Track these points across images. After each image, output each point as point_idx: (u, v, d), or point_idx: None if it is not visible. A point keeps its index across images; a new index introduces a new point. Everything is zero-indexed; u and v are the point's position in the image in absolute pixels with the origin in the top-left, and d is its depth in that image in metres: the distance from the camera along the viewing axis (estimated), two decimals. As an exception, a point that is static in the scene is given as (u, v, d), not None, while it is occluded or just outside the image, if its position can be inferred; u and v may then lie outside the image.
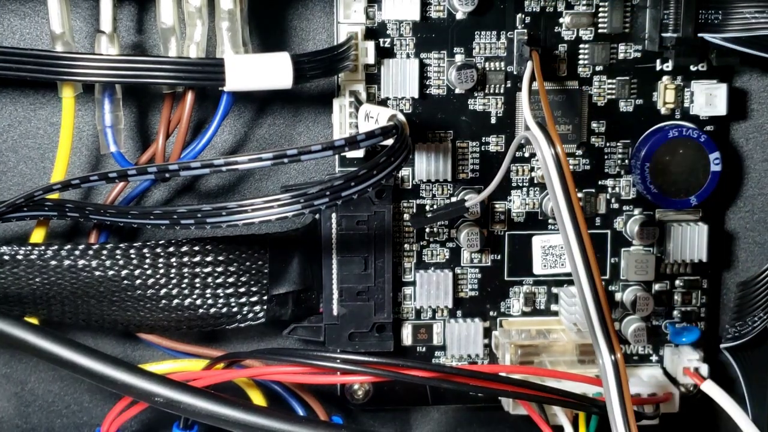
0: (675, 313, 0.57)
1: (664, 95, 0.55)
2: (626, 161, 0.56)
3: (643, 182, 0.54)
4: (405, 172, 0.55)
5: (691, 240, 0.55)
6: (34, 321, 0.51)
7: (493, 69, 0.54)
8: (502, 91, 0.54)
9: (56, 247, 0.51)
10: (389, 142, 0.45)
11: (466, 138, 0.55)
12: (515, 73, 0.54)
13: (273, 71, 0.48)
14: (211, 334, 0.57)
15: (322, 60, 0.49)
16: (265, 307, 0.53)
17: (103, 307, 0.52)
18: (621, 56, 0.55)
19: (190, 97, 0.51)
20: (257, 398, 0.53)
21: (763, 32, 0.50)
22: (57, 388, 0.58)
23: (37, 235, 0.52)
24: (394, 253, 0.55)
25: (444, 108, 0.55)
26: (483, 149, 0.55)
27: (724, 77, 0.55)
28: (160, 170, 0.46)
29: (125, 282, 0.51)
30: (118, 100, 0.51)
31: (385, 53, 0.53)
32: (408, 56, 0.54)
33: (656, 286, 0.57)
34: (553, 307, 0.57)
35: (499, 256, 0.57)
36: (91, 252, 0.51)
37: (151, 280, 0.51)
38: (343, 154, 0.54)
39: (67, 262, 0.50)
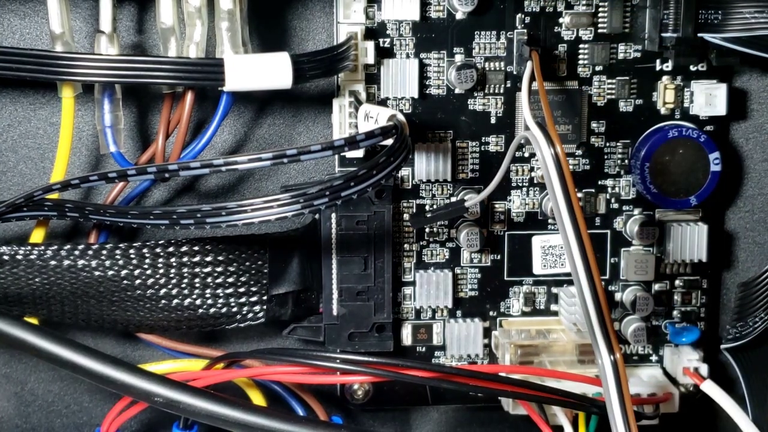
0: (675, 313, 0.57)
1: (664, 95, 0.55)
2: (626, 161, 0.56)
3: (643, 182, 0.54)
4: (405, 172, 0.55)
5: (691, 240, 0.55)
6: (33, 321, 0.51)
7: (492, 69, 0.54)
8: (501, 91, 0.54)
9: (56, 247, 0.51)
10: (389, 142, 0.45)
11: (466, 138, 0.55)
12: (515, 73, 0.54)
13: (273, 71, 0.48)
14: (211, 334, 0.57)
15: (321, 60, 0.50)
16: (264, 307, 0.53)
17: (102, 307, 0.52)
18: (621, 56, 0.55)
19: (189, 97, 0.51)
20: (257, 398, 0.53)
21: (763, 32, 0.50)
22: (57, 388, 0.58)
23: (37, 235, 0.52)
24: (394, 253, 0.55)
25: (444, 108, 0.55)
26: (483, 149, 0.55)
27: (723, 77, 0.55)
28: (159, 170, 0.46)
29: (125, 282, 0.51)
30: (118, 100, 0.51)
31: (384, 53, 0.53)
32: (408, 56, 0.54)
33: (656, 286, 0.57)
34: (553, 307, 0.57)
35: (498, 256, 0.57)
36: (90, 252, 0.51)
37: (150, 280, 0.51)
38: (342, 154, 0.54)
39: (66, 262, 0.50)
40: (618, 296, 0.57)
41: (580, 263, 0.41)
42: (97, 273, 0.51)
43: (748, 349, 0.55)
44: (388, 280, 0.54)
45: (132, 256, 0.51)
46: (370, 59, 0.52)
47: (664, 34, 0.52)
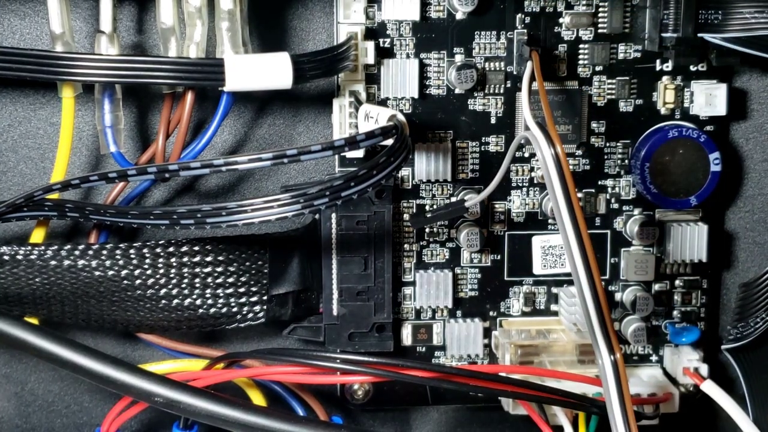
0: (675, 313, 0.57)
1: (664, 95, 0.55)
2: (626, 161, 0.56)
3: (643, 182, 0.54)
4: (405, 172, 0.55)
5: (691, 240, 0.55)
6: (34, 321, 0.51)
7: (492, 69, 0.54)
8: (501, 91, 0.55)
9: (56, 247, 0.51)
10: (389, 142, 0.45)
11: (466, 138, 0.55)
12: (515, 73, 0.54)
13: (273, 71, 0.48)
14: (211, 334, 0.57)
15: (321, 60, 0.50)
16: (264, 307, 0.53)
17: (103, 307, 0.52)
18: (621, 56, 0.55)
19: (190, 97, 0.51)
20: (257, 398, 0.53)
21: (763, 32, 0.50)
22: (57, 388, 0.58)
23: (37, 235, 0.52)
24: (394, 253, 0.55)
25: (444, 108, 0.55)
26: (483, 149, 0.55)
27: (723, 77, 0.55)
28: (159, 170, 0.46)
29: (125, 282, 0.51)
30: (118, 100, 0.51)
31: (384, 53, 0.53)
32: (408, 56, 0.54)
33: (656, 286, 0.57)
34: (553, 307, 0.57)
35: (498, 256, 0.57)
36: (90, 252, 0.51)
37: (150, 280, 0.51)
38: (342, 154, 0.54)
39: (66, 262, 0.51)
40: (618, 296, 0.57)
41: (580, 263, 0.41)
42: (97, 273, 0.51)
43: (750, 350, 0.55)
44: (388, 280, 0.54)
45: (132, 256, 0.51)
46: (371, 59, 0.52)
47: (664, 34, 0.52)
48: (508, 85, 0.54)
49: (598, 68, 0.55)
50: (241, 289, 0.52)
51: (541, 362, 0.55)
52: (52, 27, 0.49)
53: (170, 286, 0.52)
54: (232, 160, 0.44)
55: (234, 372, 0.51)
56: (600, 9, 0.54)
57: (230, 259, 0.52)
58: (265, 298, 0.53)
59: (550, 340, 0.56)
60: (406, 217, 0.56)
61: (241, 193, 0.56)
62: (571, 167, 0.54)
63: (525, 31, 0.54)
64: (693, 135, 0.54)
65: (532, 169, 0.56)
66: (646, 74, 0.55)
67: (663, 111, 0.55)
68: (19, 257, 0.50)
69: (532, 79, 0.50)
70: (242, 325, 0.53)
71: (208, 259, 0.52)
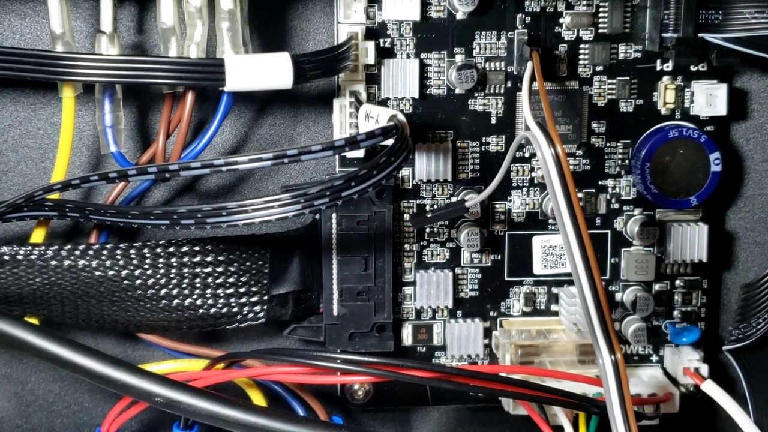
0: (675, 313, 0.57)
1: (665, 95, 0.55)
2: (626, 161, 0.56)
3: (644, 182, 0.54)
4: (405, 172, 0.55)
5: (692, 240, 0.55)
6: (34, 321, 0.51)
7: (493, 69, 0.54)
8: (502, 91, 0.55)
9: (56, 247, 0.51)
10: (389, 142, 0.45)
11: (467, 138, 0.55)
12: (515, 73, 0.54)
13: (273, 71, 0.48)
14: (212, 334, 0.57)
15: (322, 60, 0.50)
16: (265, 307, 0.53)
17: (103, 307, 0.52)
18: (621, 56, 0.55)
19: (190, 97, 0.51)
20: (257, 398, 0.53)
21: (763, 32, 0.50)
22: (57, 388, 0.58)
23: (38, 235, 0.52)
24: (395, 253, 0.55)
25: (444, 108, 0.55)
26: (483, 149, 0.55)
27: (724, 77, 0.55)
28: (160, 170, 0.46)
29: (125, 282, 0.51)
30: (119, 100, 0.51)
31: (385, 53, 0.53)
32: (408, 56, 0.54)
33: (656, 287, 0.57)
34: (554, 308, 0.57)
35: (499, 257, 0.57)
36: (91, 252, 0.51)
37: (151, 280, 0.51)
38: (343, 154, 0.54)
39: (67, 262, 0.51)
40: (618, 296, 0.57)
41: (580, 263, 0.41)
42: (97, 273, 0.51)
43: (751, 351, 0.55)
44: (389, 280, 0.54)
45: (132, 256, 0.51)
46: (371, 59, 0.52)
47: (664, 35, 0.52)
48: (509, 85, 0.54)
49: (598, 68, 0.55)
50: (242, 289, 0.52)
51: (542, 362, 0.55)
52: (52, 27, 0.49)
53: (170, 286, 0.52)
54: (232, 160, 0.44)
55: (234, 372, 0.51)
56: (600, 9, 0.54)
57: (231, 259, 0.52)
58: (265, 298, 0.53)
59: (551, 341, 0.56)
60: (406, 217, 0.56)
61: (242, 193, 0.56)
62: (571, 167, 0.54)
63: (525, 31, 0.54)
64: (693, 135, 0.54)
65: (532, 169, 0.56)
66: (647, 74, 0.55)
67: (663, 111, 0.55)
68: (20, 257, 0.50)
69: (533, 79, 0.50)
70: (242, 325, 0.53)
71: (209, 259, 0.52)
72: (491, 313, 0.57)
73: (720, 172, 0.54)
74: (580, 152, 0.55)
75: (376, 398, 0.57)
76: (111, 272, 0.51)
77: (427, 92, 0.54)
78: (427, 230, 0.56)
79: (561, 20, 0.54)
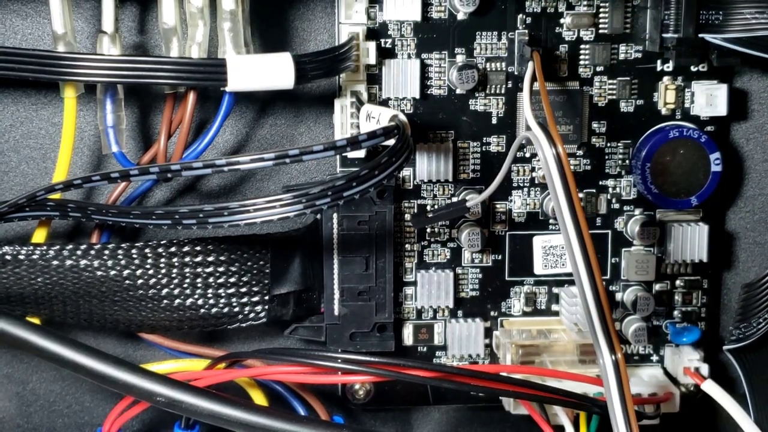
0: (675, 313, 0.58)
1: (665, 96, 0.55)
2: (627, 161, 0.56)
3: (644, 182, 0.54)
4: (406, 172, 0.55)
5: (692, 240, 0.55)
6: (36, 321, 0.51)
7: (494, 69, 0.54)
8: (503, 91, 0.55)
9: (58, 247, 0.51)
10: (391, 142, 0.45)
11: (467, 138, 0.55)
12: (516, 73, 0.54)
13: (275, 71, 0.48)
14: (213, 334, 0.57)
15: (323, 60, 0.50)
16: (266, 307, 0.53)
17: (104, 307, 0.52)
18: (622, 57, 0.55)
19: (191, 97, 0.51)
20: (258, 398, 0.53)
21: (764, 33, 0.50)
22: (59, 387, 0.58)
23: (39, 235, 0.52)
24: (395, 253, 0.55)
25: (445, 108, 0.55)
26: (484, 149, 0.55)
27: (724, 78, 0.55)
28: (162, 170, 0.46)
29: (127, 282, 0.51)
30: (120, 100, 0.51)
31: (386, 54, 0.54)
32: (409, 57, 0.54)
33: (657, 286, 0.57)
34: (554, 307, 0.57)
35: (500, 256, 0.57)
36: (93, 252, 0.51)
37: (152, 280, 0.51)
38: (344, 154, 0.54)
39: (69, 262, 0.51)
40: (619, 296, 0.57)
41: (581, 263, 0.42)
42: (99, 273, 0.51)
43: (751, 351, 0.55)
44: (390, 280, 0.54)
45: (134, 256, 0.51)
46: (372, 60, 0.52)
47: (664, 35, 0.52)
48: (509, 85, 0.55)
49: (599, 68, 0.55)
50: (243, 289, 0.52)
51: (542, 362, 0.55)
52: (54, 27, 0.49)
53: (172, 286, 0.52)
54: (234, 160, 0.44)
55: (235, 372, 0.51)
56: (601, 9, 0.54)
57: (232, 259, 0.52)
58: (266, 297, 0.53)
59: (551, 340, 0.56)
60: (407, 217, 0.56)
61: (243, 193, 0.56)
62: (572, 167, 0.54)
63: (526, 31, 0.54)
64: (694, 135, 0.54)
65: (533, 169, 0.56)
66: (647, 75, 0.55)
67: (664, 111, 0.55)
68: (22, 257, 0.50)
69: (534, 79, 0.50)
70: (244, 325, 0.53)
71: (210, 259, 0.52)
72: (492, 313, 0.57)
73: (720, 172, 0.54)
74: (580, 152, 0.56)
75: (377, 398, 0.58)
76: (113, 272, 0.51)
77: (428, 92, 0.54)
78: (428, 230, 0.56)
79: (561, 21, 0.54)
